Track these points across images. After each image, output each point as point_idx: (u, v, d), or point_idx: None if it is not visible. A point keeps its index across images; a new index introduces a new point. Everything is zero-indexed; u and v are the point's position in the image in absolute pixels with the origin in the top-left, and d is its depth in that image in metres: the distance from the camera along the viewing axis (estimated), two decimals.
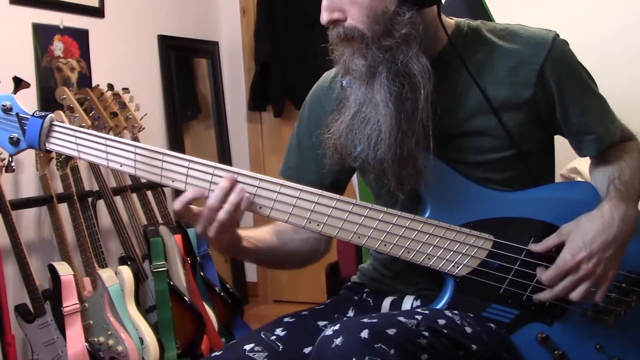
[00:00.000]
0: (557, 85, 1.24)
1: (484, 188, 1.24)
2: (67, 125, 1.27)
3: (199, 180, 1.21)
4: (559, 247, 1.20)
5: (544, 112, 1.26)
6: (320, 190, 1.21)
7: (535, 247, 1.21)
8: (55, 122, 1.26)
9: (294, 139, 1.44)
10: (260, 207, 1.21)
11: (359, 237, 1.20)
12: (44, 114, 1.26)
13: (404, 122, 1.16)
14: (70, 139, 1.26)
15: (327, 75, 1.42)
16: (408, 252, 1.20)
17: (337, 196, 1.21)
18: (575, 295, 1.18)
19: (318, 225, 1.20)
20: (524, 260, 1.21)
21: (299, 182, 1.39)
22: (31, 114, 1.26)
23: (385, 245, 1.20)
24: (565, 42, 1.27)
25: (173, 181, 1.22)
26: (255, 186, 1.21)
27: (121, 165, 1.24)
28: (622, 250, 1.19)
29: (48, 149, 1.27)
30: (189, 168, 1.21)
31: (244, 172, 1.21)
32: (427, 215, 1.22)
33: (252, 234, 1.32)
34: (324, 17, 1.19)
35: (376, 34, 1.16)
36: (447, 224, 1.20)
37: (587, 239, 1.18)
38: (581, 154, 1.31)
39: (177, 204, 1.19)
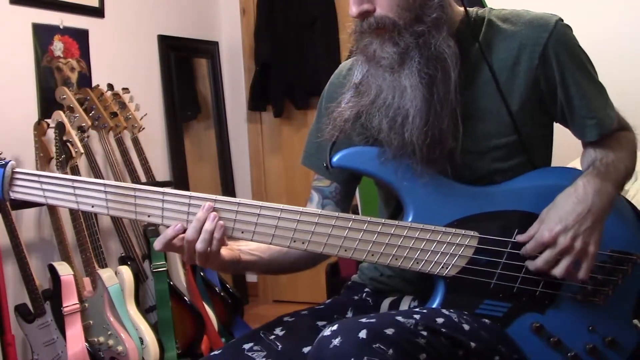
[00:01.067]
0: (559, 67, 1.24)
1: (463, 185, 1.24)
2: (30, 171, 1.22)
3: (176, 212, 1.18)
4: None
5: (546, 95, 1.27)
6: (301, 208, 1.20)
7: (520, 237, 1.22)
8: (17, 170, 1.21)
9: (313, 127, 1.43)
10: (242, 232, 1.19)
11: (345, 251, 1.20)
12: (3, 162, 1.21)
13: (437, 105, 1.17)
14: (35, 184, 1.21)
15: (344, 66, 1.42)
16: (396, 259, 1.20)
17: (319, 211, 1.21)
18: (558, 271, 1.18)
19: (303, 243, 1.19)
20: (511, 253, 1.22)
21: (319, 170, 1.39)
22: None
23: (372, 255, 1.20)
24: (568, 26, 1.27)
25: (149, 216, 1.18)
26: (235, 211, 1.19)
27: (93, 207, 1.19)
28: (599, 223, 1.20)
29: (13, 198, 1.22)
30: (164, 200, 1.18)
31: (221, 198, 1.19)
32: (410, 219, 1.22)
33: (253, 246, 1.30)
34: (354, 10, 1.19)
35: (407, 21, 1.18)
36: (432, 225, 1.20)
37: (562, 214, 1.19)
38: (584, 139, 1.31)
39: (158, 245, 1.18)
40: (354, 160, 1.25)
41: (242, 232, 1.19)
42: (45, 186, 1.21)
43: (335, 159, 1.24)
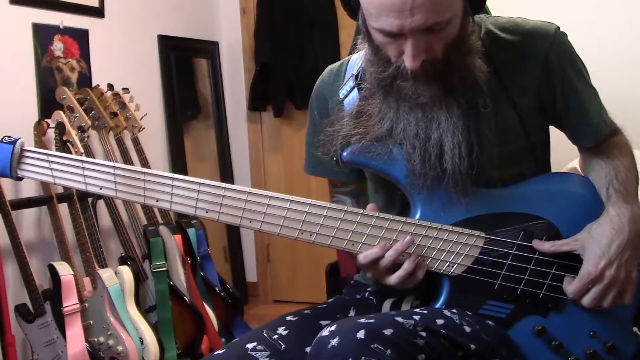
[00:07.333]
0: (560, 77, 1.26)
1: (472, 186, 1.23)
2: (39, 149, 1.23)
3: (185, 198, 1.19)
4: (568, 253, 1.22)
5: (546, 102, 1.28)
6: (310, 200, 1.20)
7: (541, 247, 1.22)
8: (26, 148, 1.22)
9: (310, 138, 1.42)
10: (250, 221, 1.19)
11: (352, 244, 1.20)
12: (13, 139, 1.21)
13: (474, 131, 1.17)
14: (44, 164, 1.21)
15: (331, 70, 1.41)
16: (402, 256, 1.20)
17: (328, 204, 1.20)
18: (606, 303, 1.20)
19: (311, 235, 1.19)
20: (516, 255, 1.22)
21: (327, 176, 1.40)
22: None
23: None
24: (565, 34, 1.29)
25: (157, 201, 1.19)
26: (244, 199, 1.19)
27: (101, 189, 1.20)
28: (637, 249, 1.21)
29: (20, 176, 1.22)
30: (173, 186, 1.19)
31: (231, 187, 1.19)
32: (417, 216, 1.23)
33: None
34: (414, 64, 1.11)
35: (455, 57, 1.15)
36: (439, 224, 1.21)
37: (603, 247, 1.19)
38: (580, 144, 1.34)
39: (363, 260, 1.18)
40: (363, 155, 1.23)
41: (250, 222, 1.19)
42: (53, 165, 1.21)
43: (345, 153, 1.23)
